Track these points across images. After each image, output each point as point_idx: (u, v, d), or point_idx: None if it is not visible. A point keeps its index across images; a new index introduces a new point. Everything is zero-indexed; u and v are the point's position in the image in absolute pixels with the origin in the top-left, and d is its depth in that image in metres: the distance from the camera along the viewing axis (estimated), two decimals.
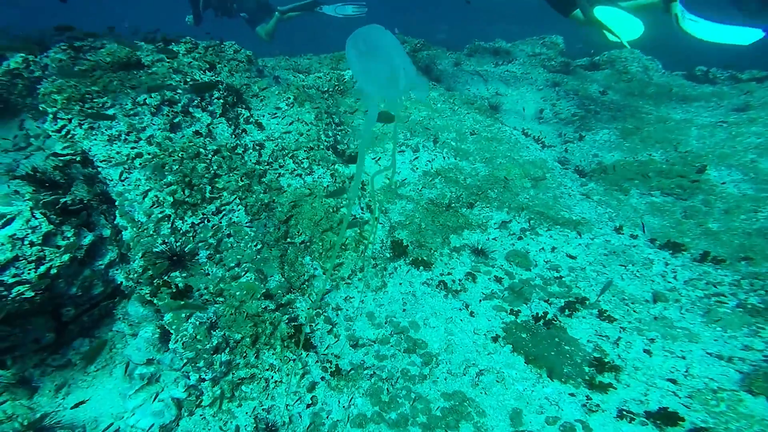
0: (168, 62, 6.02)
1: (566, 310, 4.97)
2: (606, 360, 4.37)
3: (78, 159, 4.82)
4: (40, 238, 4.02)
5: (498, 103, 12.46)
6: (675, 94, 13.06)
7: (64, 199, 4.65)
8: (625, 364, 4.41)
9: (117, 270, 4.90)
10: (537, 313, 4.88)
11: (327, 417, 4.08)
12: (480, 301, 5.15)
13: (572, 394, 4.09)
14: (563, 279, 5.57)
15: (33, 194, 4.55)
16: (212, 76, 6.70)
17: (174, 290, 4.22)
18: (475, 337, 4.67)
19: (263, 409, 4.08)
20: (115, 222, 4.78)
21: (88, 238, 4.53)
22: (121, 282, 4.81)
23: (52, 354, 4.39)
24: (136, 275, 4.64)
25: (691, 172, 8.59)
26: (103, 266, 4.75)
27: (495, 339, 4.60)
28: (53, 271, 4.06)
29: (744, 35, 7.07)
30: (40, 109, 4.92)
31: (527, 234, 6.41)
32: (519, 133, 10.12)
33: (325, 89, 9.27)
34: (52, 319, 4.28)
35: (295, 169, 6.30)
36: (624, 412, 3.94)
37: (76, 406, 4.32)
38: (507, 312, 4.97)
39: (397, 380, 4.31)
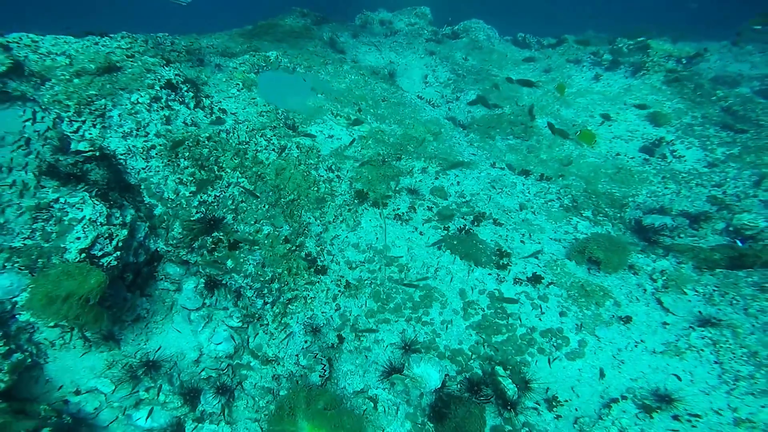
0: (136, 61, 5.59)
1: (475, 222, 6.61)
2: (503, 250, 6.15)
3: (97, 155, 4.64)
4: (105, 218, 4.10)
5: (393, 70, 13.24)
6: (510, 59, 15.25)
7: (94, 189, 4.58)
8: (512, 251, 6.25)
9: (150, 240, 5.06)
10: (459, 227, 6.43)
11: (350, 315, 5.20)
12: (423, 224, 6.50)
13: (490, 274, 5.80)
14: (468, 202, 7.19)
15: (60, 186, 4.41)
16: (171, 70, 6.33)
17: (227, 244, 4.70)
18: (426, 248, 6.07)
19: (307, 318, 5.01)
20: (144, 201, 4.85)
21: (129, 216, 4.62)
22: (158, 248, 5.03)
23: (126, 311, 4.62)
24: (174, 241, 4.91)
25: (528, 120, 10.79)
26: (141, 238, 4.89)
27: (439, 247, 6.06)
28: (120, 243, 4.21)
29: None
30: (50, 112, 4.49)
31: (440, 175, 7.83)
32: (416, 97, 11.24)
33: (250, 70, 9.10)
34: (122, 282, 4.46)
35: (267, 145, 6.62)
36: (516, 279, 5.78)
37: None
38: (441, 229, 6.42)
39: (385, 285, 5.55)
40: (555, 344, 5.29)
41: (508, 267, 5.89)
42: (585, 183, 8.92)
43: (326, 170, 6.99)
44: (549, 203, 7.74)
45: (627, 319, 5.51)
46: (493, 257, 6.01)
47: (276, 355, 4.93)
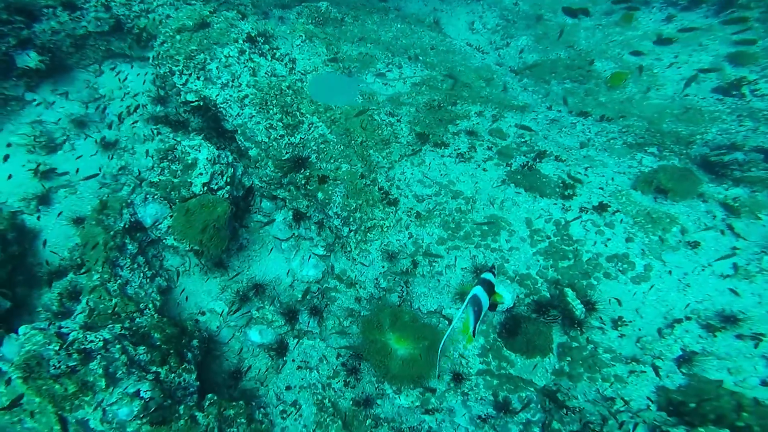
0: (219, 17, 6.12)
1: (537, 159, 6.85)
2: (566, 182, 6.40)
3: (201, 104, 5.32)
4: (216, 158, 4.81)
5: (438, 18, 13.11)
6: (563, 1, 14.50)
7: (202, 134, 5.30)
8: (574, 183, 6.49)
9: (245, 177, 5.80)
10: (521, 163, 6.72)
11: (422, 242, 5.76)
12: (484, 161, 6.84)
13: (555, 204, 6.12)
14: (528, 141, 7.39)
15: (174, 131, 5.16)
16: (248, 23, 6.81)
17: (318, 178, 5.33)
18: (491, 182, 6.43)
19: (383, 245, 5.64)
20: (240, 144, 5.54)
21: (230, 157, 5.34)
22: (252, 184, 5.75)
23: (232, 240, 5.44)
24: (267, 178, 5.60)
25: (586, 64, 10.52)
26: (239, 175, 5.62)
27: (504, 182, 6.41)
28: (228, 179, 4.94)
29: None
30: (162, 67, 5.18)
31: (497, 118, 8.03)
32: (465, 45, 11.20)
33: (308, 21, 9.47)
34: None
35: None
36: (582, 208, 6.06)
37: None
38: (504, 165, 6.73)
39: (454, 214, 6.04)
40: (621, 269, 5.61)
41: (573, 197, 6.17)
42: (648, 123, 8.76)
43: (386, 115, 7.40)
44: (611, 141, 7.77)
45: (695, 245, 5.69)
46: (557, 189, 6.29)
47: (358, 278, 5.62)
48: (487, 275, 3.01)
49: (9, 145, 5.16)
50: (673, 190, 6.25)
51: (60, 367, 3.40)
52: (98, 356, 3.64)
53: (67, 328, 3.87)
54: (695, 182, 6.32)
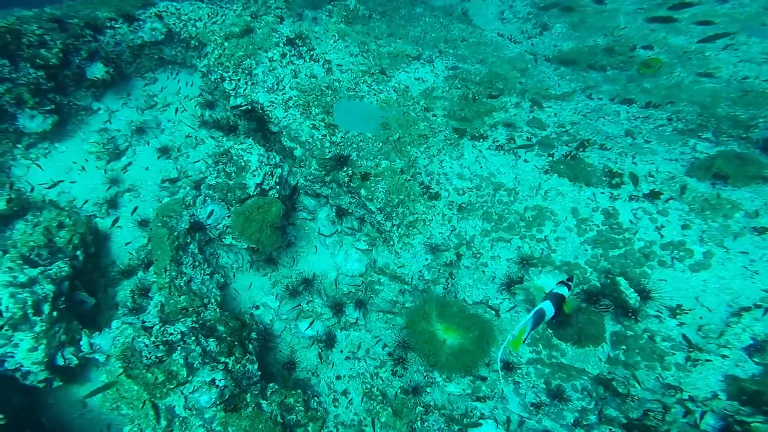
0: (260, 22, 6.43)
1: (580, 148, 6.70)
2: (613, 171, 6.23)
3: (249, 108, 5.62)
4: (265, 159, 5.08)
5: (466, 9, 13.02)
6: None
7: (250, 137, 5.59)
8: (623, 172, 6.29)
9: (290, 176, 6.05)
10: (564, 153, 6.60)
11: (465, 234, 5.80)
12: (525, 152, 6.78)
13: (602, 193, 5.97)
14: (569, 131, 7.24)
15: (226, 135, 5.47)
16: (286, 27, 7.10)
17: (360, 175, 5.50)
18: (533, 173, 6.37)
19: (426, 238, 5.72)
20: (285, 145, 5.79)
21: (277, 158, 5.60)
22: (297, 183, 5.99)
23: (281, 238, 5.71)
24: (311, 177, 5.82)
25: (627, 50, 10.15)
26: (285, 175, 5.88)
27: (546, 172, 6.32)
28: (277, 179, 5.20)
29: None
30: (208, 73, 5.52)
31: (535, 108, 7.91)
32: (496, 35, 11.09)
33: (339, 20, 9.69)
34: None
35: (369, 91, 7.25)
36: (631, 197, 5.89)
37: None
38: (545, 156, 6.63)
39: (495, 207, 6.03)
40: (677, 257, 5.40)
41: (621, 185, 6.00)
42: (700, 108, 8.33)
43: (422, 110, 7.48)
44: (660, 128, 7.47)
45: (762, 230, 5.39)
46: (604, 178, 6.14)
47: (402, 272, 5.73)
48: (561, 289, 3.12)
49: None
50: (734, 176, 5.95)
51: (150, 357, 3.71)
52: (179, 347, 3.94)
53: (149, 322, 4.22)
54: (759, 166, 5.99)
